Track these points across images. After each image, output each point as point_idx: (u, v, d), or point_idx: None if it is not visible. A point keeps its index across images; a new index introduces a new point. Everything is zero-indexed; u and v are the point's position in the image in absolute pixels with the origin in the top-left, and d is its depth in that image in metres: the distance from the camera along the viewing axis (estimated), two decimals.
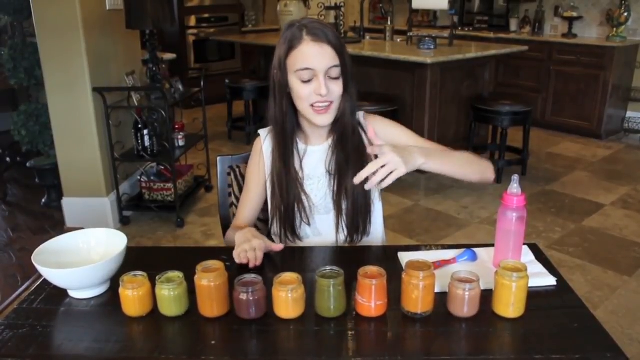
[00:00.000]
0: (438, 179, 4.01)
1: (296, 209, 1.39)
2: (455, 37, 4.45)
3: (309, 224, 1.42)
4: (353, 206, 1.39)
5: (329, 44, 1.27)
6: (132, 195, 3.42)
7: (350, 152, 1.37)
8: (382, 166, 1.11)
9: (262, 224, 1.63)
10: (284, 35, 1.30)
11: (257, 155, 1.45)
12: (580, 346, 0.96)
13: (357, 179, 1.13)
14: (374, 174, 1.11)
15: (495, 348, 0.99)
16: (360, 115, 1.43)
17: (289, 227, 1.41)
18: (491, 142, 4.34)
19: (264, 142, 1.43)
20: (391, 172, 1.12)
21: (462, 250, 1.26)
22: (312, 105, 1.29)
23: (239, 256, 1.21)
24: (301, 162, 1.40)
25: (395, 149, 1.14)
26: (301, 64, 1.26)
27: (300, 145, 1.41)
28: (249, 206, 1.46)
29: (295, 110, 1.36)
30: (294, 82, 1.29)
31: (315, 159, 1.41)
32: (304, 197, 1.39)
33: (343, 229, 1.42)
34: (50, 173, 3.38)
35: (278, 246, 1.28)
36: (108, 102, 3.01)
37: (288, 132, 1.37)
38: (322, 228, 1.43)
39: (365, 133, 1.39)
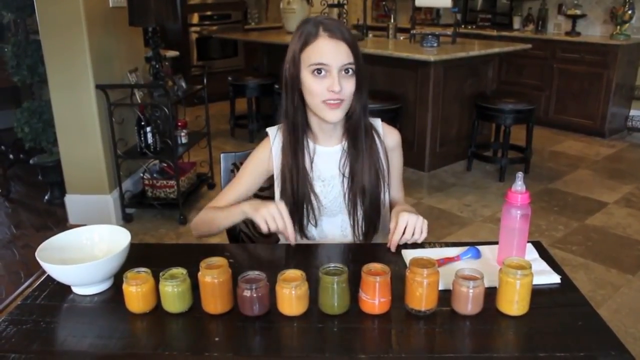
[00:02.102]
0: (440, 177, 4.01)
1: (304, 209, 1.38)
2: (458, 35, 4.44)
3: (315, 225, 1.41)
4: (371, 206, 1.39)
5: (344, 41, 1.26)
6: (135, 192, 3.42)
7: (363, 151, 1.36)
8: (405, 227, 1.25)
9: None
10: (299, 31, 1.29)
11: (263, 153, 1.41)
12: (584, 344, 0.95)
13: (393, 247, 1.26)
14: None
15: (499, 346, 0.99)
16: (378, 122, 1.43)
17: (297, 224, 1.38)
18: (494, 141, 4.34)
19: (274, 141, 1.40)
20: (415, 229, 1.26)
21: (466, 247, 1.26)
22: (324, 101, 1.28)
23: (267, 217, 1.23)
24: (311, 161, 1.38)
25: (405, 211, 1.27)
26: (316, 58, 1.25)
27: (310, 144, 1.39)
28: (235, 195, 1.41)
29: (304, 108, 1.35)
30: (307, 77, 1.28)
31: (326, 161, 1.39)
32: (313, 198, 1.37)
33: (358, 229, 1.41)
34: (53, 170, 3.38)
35: (292, 234, 1.27)
36: (111, 99, 3.01)
37: (299, 127, 1.35)
38: (327, 230, 1.43)
39: (380, 138, 1.40)
